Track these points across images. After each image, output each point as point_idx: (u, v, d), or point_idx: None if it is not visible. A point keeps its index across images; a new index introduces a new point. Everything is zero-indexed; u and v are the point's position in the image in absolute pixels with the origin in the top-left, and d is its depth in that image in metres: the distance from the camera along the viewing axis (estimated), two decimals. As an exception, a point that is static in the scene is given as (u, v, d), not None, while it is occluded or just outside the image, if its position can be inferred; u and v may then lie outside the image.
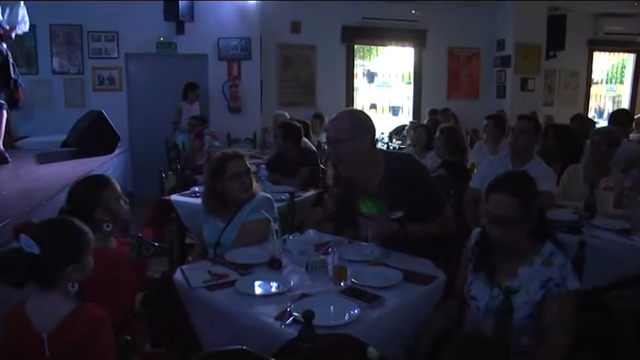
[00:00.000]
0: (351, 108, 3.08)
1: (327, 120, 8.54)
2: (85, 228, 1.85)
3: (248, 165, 3.02)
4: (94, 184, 2.43)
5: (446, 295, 2.32)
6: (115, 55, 8.06)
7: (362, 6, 9.31)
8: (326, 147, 7.44)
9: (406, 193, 2.65)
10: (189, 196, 4.28)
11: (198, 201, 3.85)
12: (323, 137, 8.10)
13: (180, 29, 8.01)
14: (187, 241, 4.28)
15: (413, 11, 9.64)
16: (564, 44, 10.23)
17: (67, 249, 1.77)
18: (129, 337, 1.55)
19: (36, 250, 1.69)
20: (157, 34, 8.05)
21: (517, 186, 2.07)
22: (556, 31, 10.11)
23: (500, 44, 10.29)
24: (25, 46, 7.55)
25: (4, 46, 4.84)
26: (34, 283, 1.75)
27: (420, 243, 2.63)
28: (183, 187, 4.78)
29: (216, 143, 7.14)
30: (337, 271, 2.28)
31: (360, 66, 10.35)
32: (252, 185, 2.99)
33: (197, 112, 7.86)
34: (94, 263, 1.87)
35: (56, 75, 7.98)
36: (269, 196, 3.08)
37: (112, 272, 2.24)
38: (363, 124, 2.72)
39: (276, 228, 2.60)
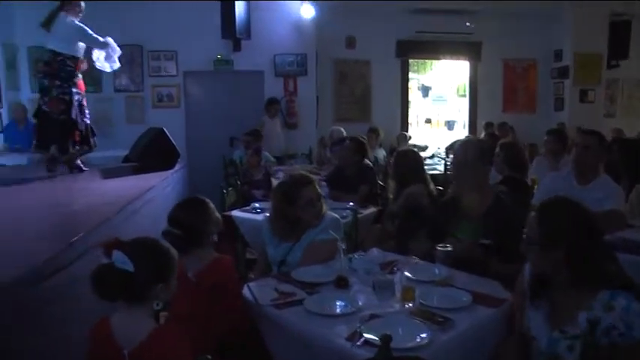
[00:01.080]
0: (478, 137, 3.40)
1: (382, 135, 8.57)
2: (173, 250, 1.91)
3: (319, 190, 3.04)
4: (198, 205, 2.58)
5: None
6: (174, 73, 8.31)
7: (416, 19, 9.29)
8: (382, 163, 7.44)
9: (502, 231, 2.70)
10: (249, 212, 4.33)
11: (259, 217, 3.92)
12: (379, 152, 8.08)
13: (237, 46, 8.18)
14: (247, 256, 4.33)
15: (467, 23, 9.55)
16: (628, 52, 9.79)
17: (159, 268, 1.83)
18: (209, 357, 1.57)
19: (130, 267, 1.75)
20: (214, 52, 8.24)
21: (547, 215, 1.95)
22: (619, 39, 9.71)
23: (558, 55, 10.04)
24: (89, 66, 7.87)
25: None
26: (123, 299, 1.81)
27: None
28: (242, 202, 4.85)
29: (272, 159, 7.21)
30: (405, 291, 2.25)
31: (414, 79, 10.30)
32: (322, 210, 3.01)
33: (277, 126, 8.14)
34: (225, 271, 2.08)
35: (118, 93, 8.30)
36: (337, 216, 3.10)
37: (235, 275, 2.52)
38: (487, 154, 3.03)
39: (344, 247, 2.60)
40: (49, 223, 3.37)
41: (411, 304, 2.20)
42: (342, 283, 2.47)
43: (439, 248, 2.64)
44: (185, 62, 8.28)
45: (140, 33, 8.04)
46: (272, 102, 8.21)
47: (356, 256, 2.81)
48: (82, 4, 5.25)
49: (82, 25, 5.21)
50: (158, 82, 8.30)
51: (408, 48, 9.73)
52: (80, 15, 5.24)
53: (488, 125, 8.93)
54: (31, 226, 3.24)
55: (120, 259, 1.74)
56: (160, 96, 8.33)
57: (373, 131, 8.40)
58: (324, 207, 3.07)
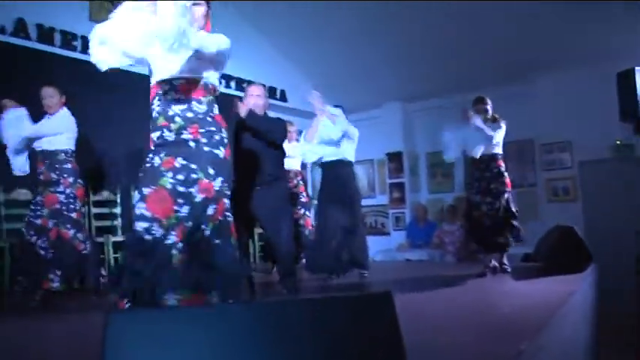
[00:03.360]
0: None
1: None
2: None
3: None
4: None
5: None
6: (569, 165, 7.92)
7: None
8: None
9: None
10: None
11: None
12: None
13: (639, 128, 7.38)
14: None
15: None
16: None
17: None
18: None
19: None
20: (612, 137, 7.62)
21: None
22: None
23: None
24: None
25: None
26: None
27: None
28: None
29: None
30: None
31: None
32: None
33: None
34: None
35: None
36: None
37: None
38: None
39: None
40: (489, 327, 3.33)
41: None
42: None
43: None
44: (580, 152, 7.84)
45: (531, 127, 8.02)
46: None
47: None
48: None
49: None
50: (552, 175, 8.04)
51: None
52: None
53: None
54: (469, 329, 3.25)
55: None
56: (555, 190, 8.01)
57: None
58: None
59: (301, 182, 6.22)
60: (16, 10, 5.68)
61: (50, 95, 4.68)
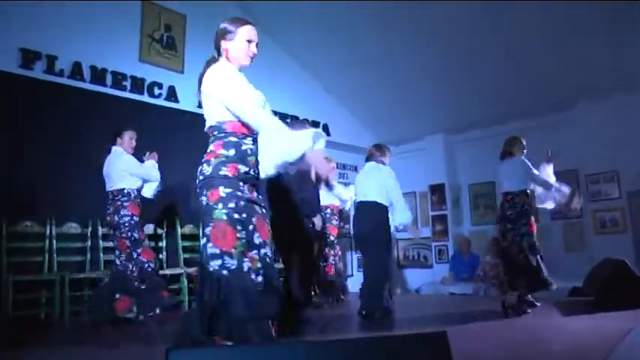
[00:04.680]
0: None
1: None
2: None
3: None
4: None
5: None
6: (616, 195, 7.71)
7: None
8: None
9: None
10: None
11: None
12: None
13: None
14: None
15: None
16: None
17: None
18: None
19: None
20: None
21: None
22: None
23: None
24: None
25: None
26: None
27: None
28: None
29: None
30: None
31: None
32: None
33: None
34: None
35: (554, 221, 8.16)
36: None
37: None
38: None
39: None
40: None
41: None
42: None
43: None
44: (628, 182, 7.61)
45: (575, 157, 7.86)
46: None
47: None
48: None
49: (526, 161, 5.34)
50: (599, 206, 7.83)
51: None
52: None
53: None
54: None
55: None
56: (603, 221, 7.78)
57: None
58: None
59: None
60: (73, 52, 5.97)
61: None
